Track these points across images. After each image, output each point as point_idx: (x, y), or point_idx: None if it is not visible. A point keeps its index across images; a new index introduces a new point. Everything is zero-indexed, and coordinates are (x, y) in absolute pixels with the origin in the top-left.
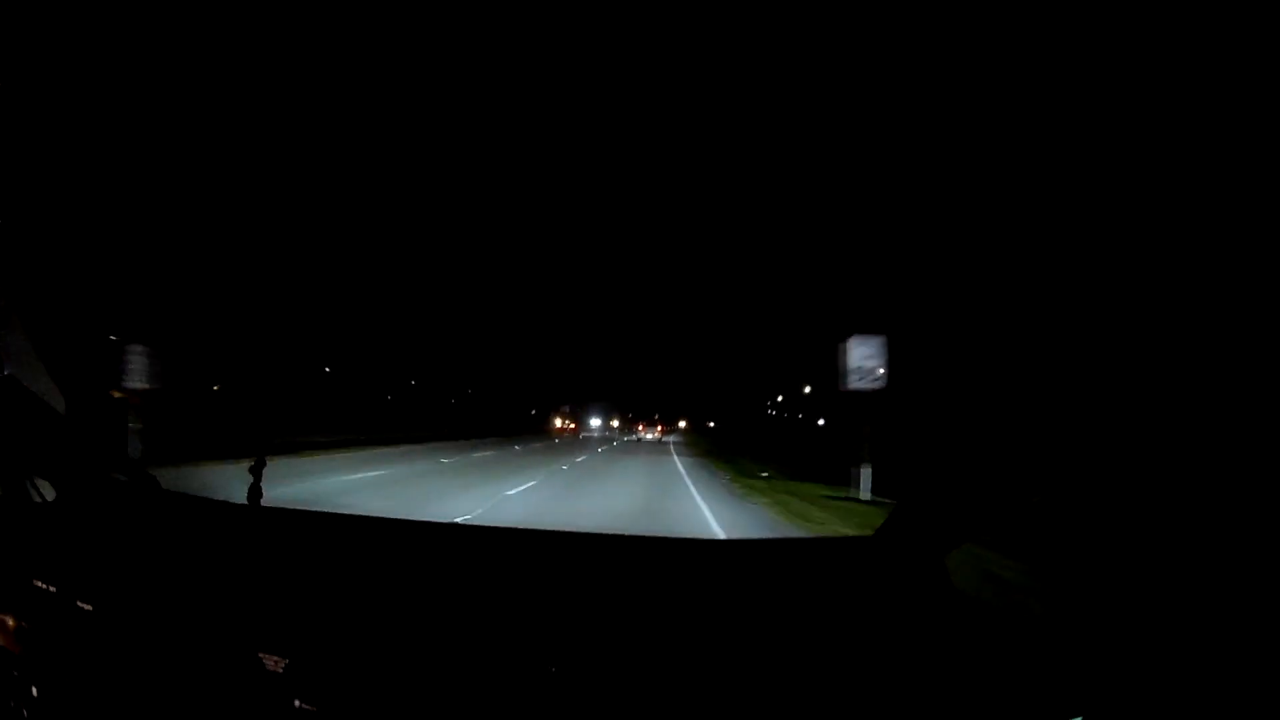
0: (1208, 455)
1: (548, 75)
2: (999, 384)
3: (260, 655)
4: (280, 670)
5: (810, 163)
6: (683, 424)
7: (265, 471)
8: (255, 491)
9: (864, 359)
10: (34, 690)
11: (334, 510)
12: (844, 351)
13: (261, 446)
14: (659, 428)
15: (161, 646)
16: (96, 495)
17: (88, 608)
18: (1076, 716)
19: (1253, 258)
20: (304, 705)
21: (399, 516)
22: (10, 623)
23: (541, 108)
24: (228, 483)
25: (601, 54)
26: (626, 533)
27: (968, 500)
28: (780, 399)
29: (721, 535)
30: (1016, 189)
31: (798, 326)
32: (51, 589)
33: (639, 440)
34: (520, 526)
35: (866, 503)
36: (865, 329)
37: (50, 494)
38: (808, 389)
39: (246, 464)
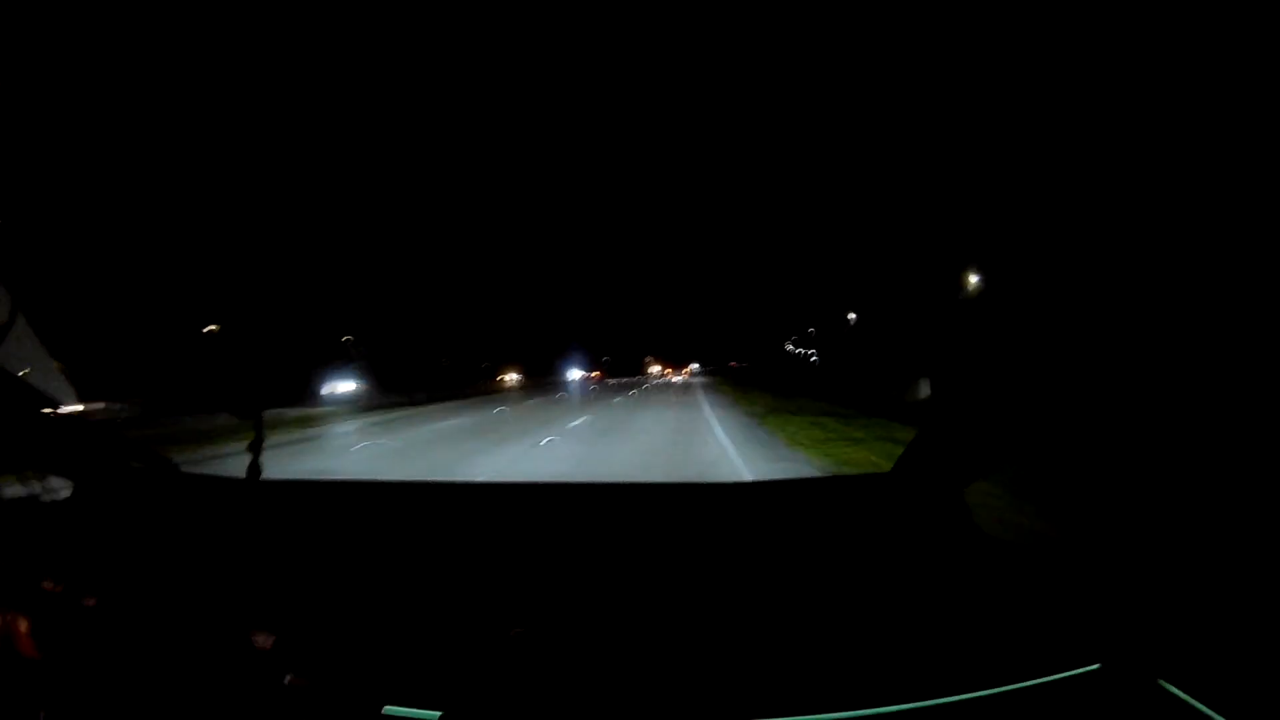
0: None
1: (543, 41)
2: (1015, 312)
3: (251, 633)
4: (270, 647)
5: (822, 113)
6: (711, 366)
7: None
8: (255, 466)
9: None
10: (49, 692)
11: (356, 478)
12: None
13: (259, 422)
14: (685, 370)
15: (156, 631)
16: (114, 486)
17: (92, 603)
18: (1095, 663)
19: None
20: (295, 680)
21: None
22: (24, 627)
23: (545, 74)
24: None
25: (601, 24)
26: (641, 480)
27: (985, 433)
28: (795, 339)
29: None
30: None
31: (812, 272)
32: (59, 588)
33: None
34: (532, 481)
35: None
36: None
37: (64, 491)
38: (811, 330)
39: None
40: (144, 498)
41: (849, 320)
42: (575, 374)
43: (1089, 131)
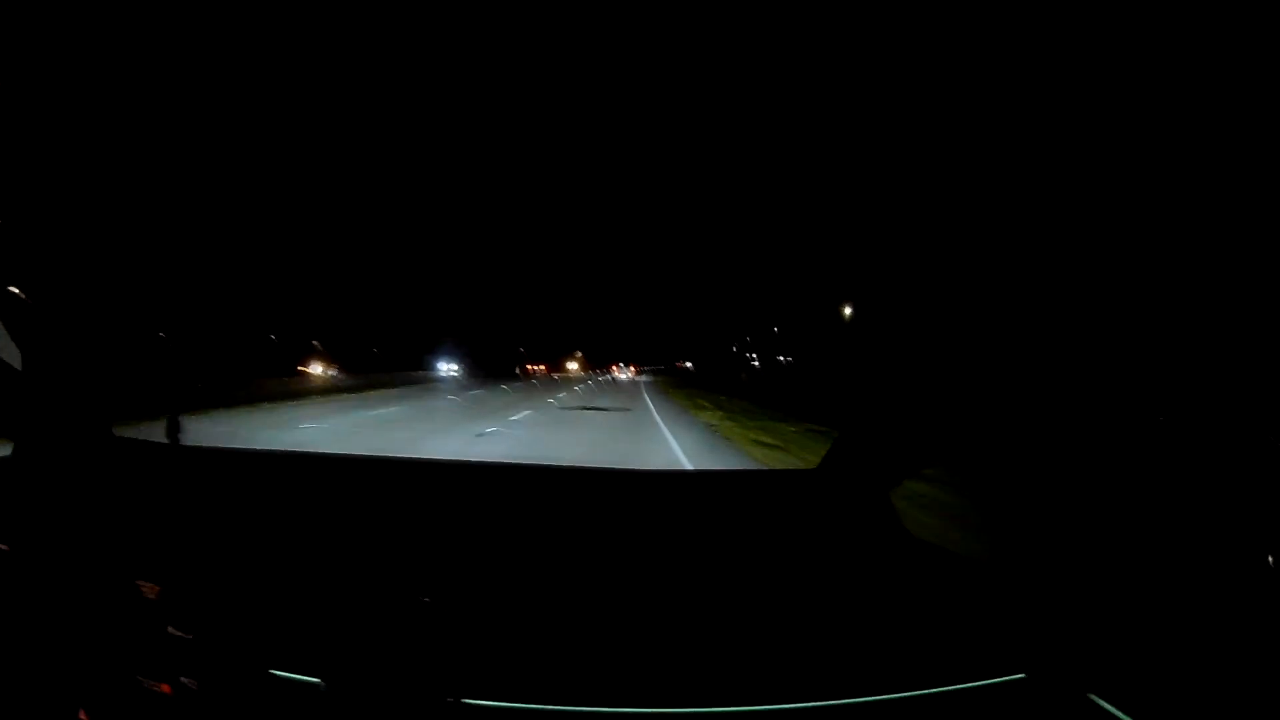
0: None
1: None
2: (942, 315)
3: (138, 583)
4: (154, 596)
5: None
6: (660, 367)
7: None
8: (174, 429)
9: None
10: None
11: (269, 447)
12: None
13: (179, 390)
14: (632, 368)
15: (52, 575)
16: (50, 446)
17: (4, 549)
18: (1019, 673)
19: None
20: (176, 631)
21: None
22: None
23: (513, 72)
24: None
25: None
26: (569, 464)
27: (910, 434)
28: (747, 339)
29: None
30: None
31: (758, 277)
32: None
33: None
34: (456, 460)
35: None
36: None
37: (4, 449)
38: (748, 339)
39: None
40: (76, 458)
41: (774, 331)
42: (448, 367)
43: (1003, 138)
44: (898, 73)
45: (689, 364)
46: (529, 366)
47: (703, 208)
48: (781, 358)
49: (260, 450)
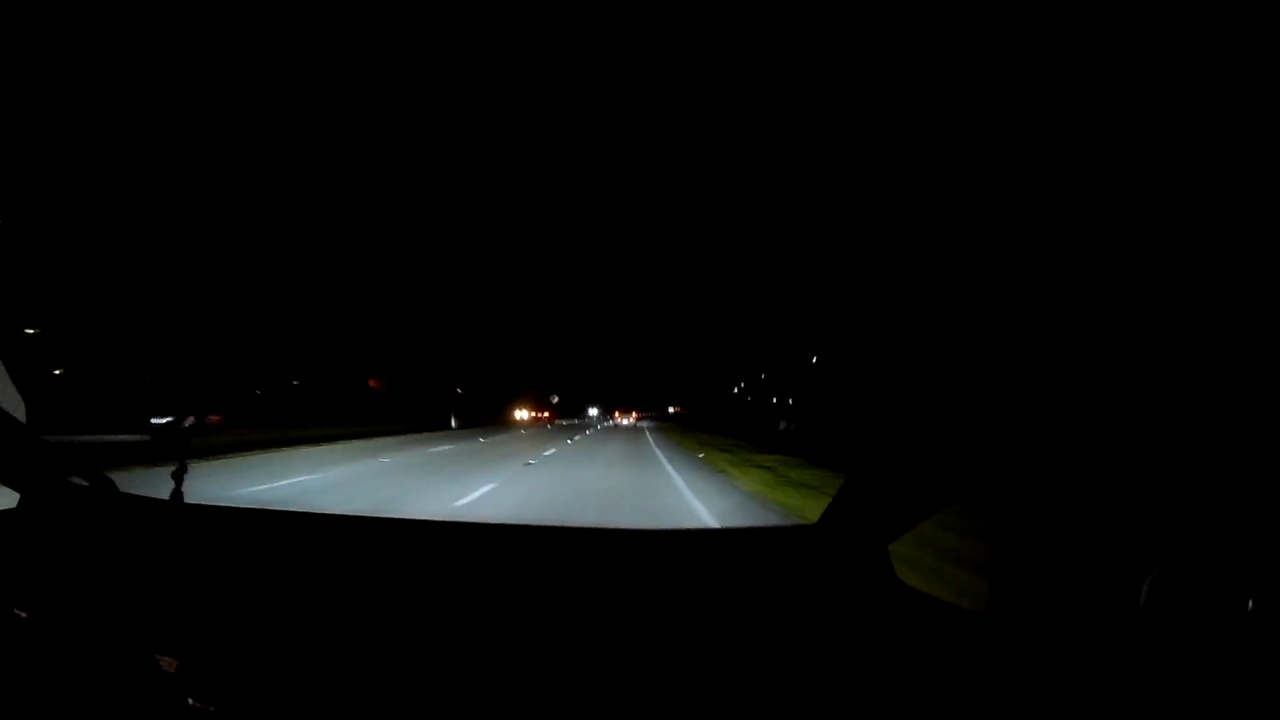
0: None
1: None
2: (943, 366)
3: (156, 656)
4: (174, 670)
5: (769, 158)
6: (656, 412)
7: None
8: (178, 490)
9: None
10: None
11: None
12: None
13: (184, 448)
14: (634, 413)
15: (70, 648)
16: (55, 501)
17: (23, 615)
18: None
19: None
20: (197, 704)
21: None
22: None
23: (509, 104)
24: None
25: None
26: (564, 524)
27: (910, 488)
28: (742, 385)
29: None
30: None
31: (757, 322)
32: None
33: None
34: (443, 520)
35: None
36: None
37: (9, 502)
38: (741, 384)
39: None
40: (81, 514)
41: (761, 377)
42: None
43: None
44: (892, 100)
45: (674, 409)
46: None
47: (697, 253)
48: (776, 399)
49: (268, 510)
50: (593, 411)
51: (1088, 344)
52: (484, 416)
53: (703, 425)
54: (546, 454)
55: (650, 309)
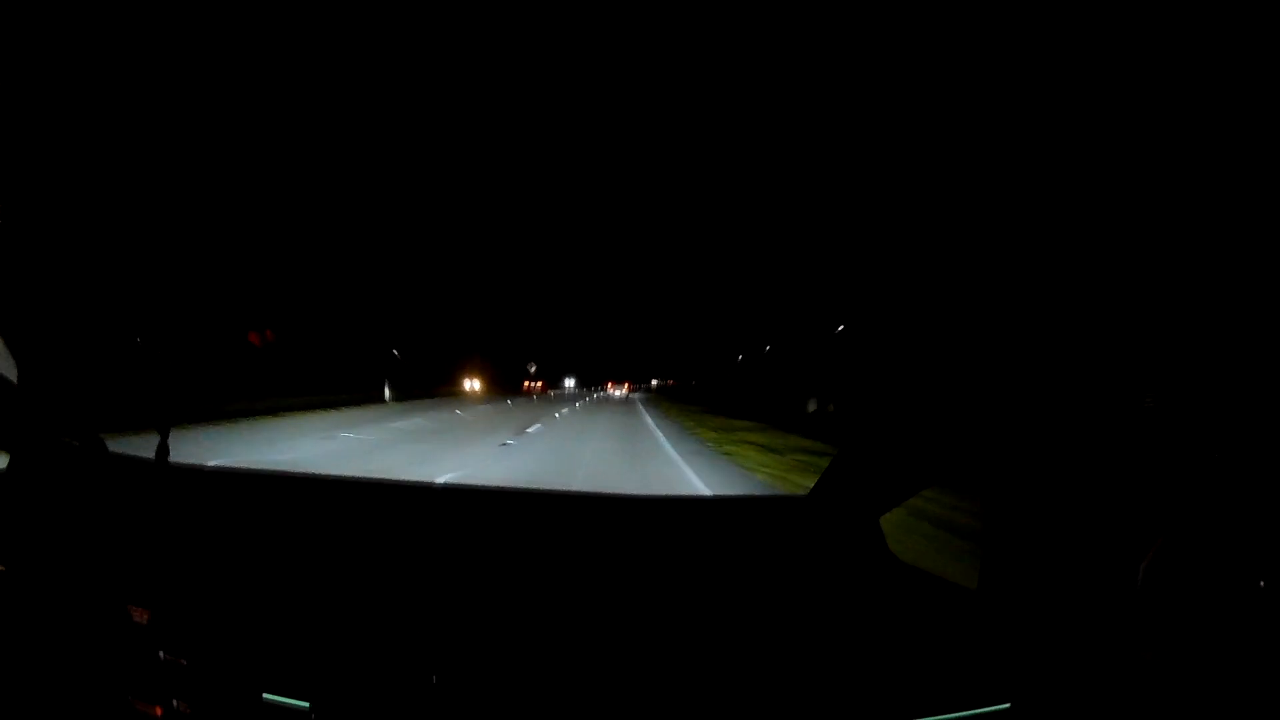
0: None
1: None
2: (934, 341)
3: (128, 607)
4: (145, 621)
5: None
6: (642, 384)
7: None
8: (163, 449)
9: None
10: None
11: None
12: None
13: (168, 409)
14: (625, 385)
15: (45, 599)
16: (47, 461)
17: (1, 568)
18: (1005, 702)
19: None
20: (168, 656)
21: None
22: None
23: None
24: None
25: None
26: (559, 490)
27: (901, 461)
28: (740, 358)
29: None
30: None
31: (753, 295)
32: None
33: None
34: (432, 484)
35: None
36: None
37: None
38: (733, 361)
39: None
40: (71, 474)
41: (766, 349)
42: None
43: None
44: (890, 104)
45: (657, 382)
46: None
47: (693, 227)
48: (792, 372)
49: (251, 470)
50: (569, 383)
51: (1081, 328)
52: (434, 385)
53: (699, 400)
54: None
55: (638, 269)
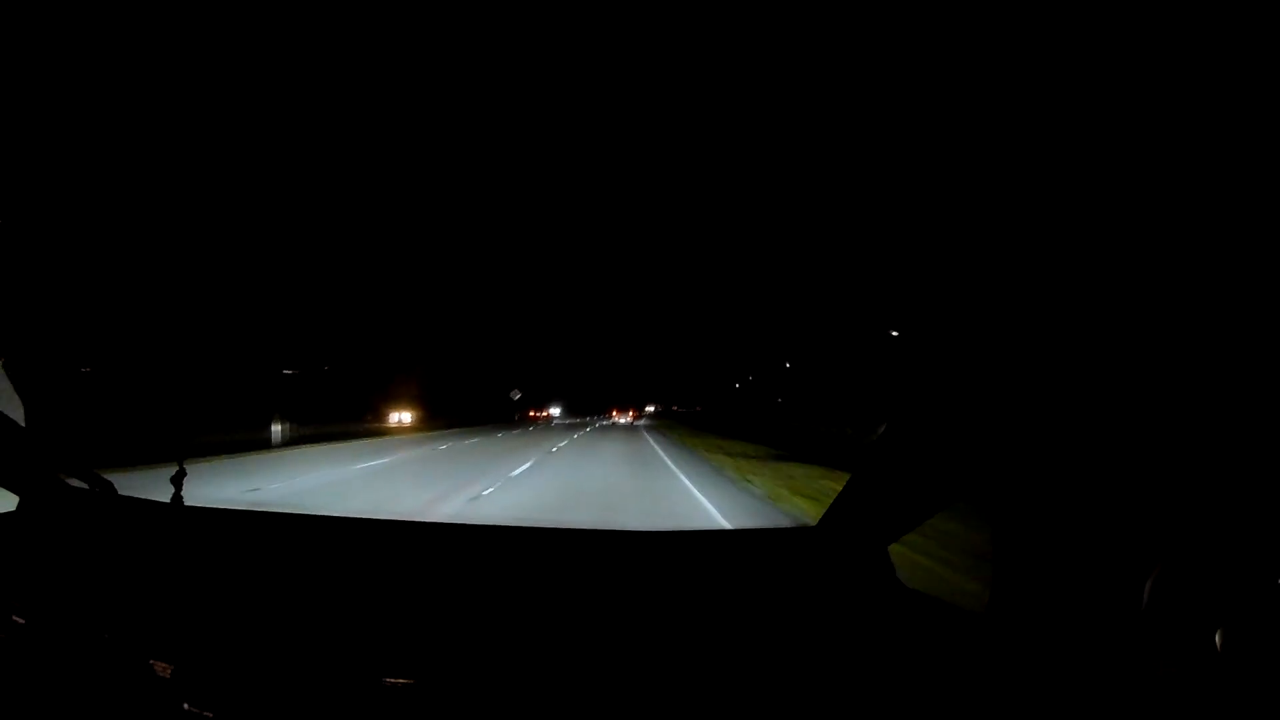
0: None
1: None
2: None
3: (150, 661)
4: (168, 675)
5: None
6: (653, 408)
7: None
8: (178, 493)
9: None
10: None
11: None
12: None
13: (183, 450)
14: (631, 412)
15: (66, 653)
16: (55, 504)
17: (20, 621)
18: None
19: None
20: (192, 709)
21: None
22: None
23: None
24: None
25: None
26: (565, 526)
27: (910, 490)
28: (741, 381)
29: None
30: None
31: (756, 322)
32: None
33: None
34: (444, 522)
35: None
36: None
37: (8, 505)
38: (739, 383)
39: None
40: (79, 517)
41: (749, 379)
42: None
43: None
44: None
45: (685, 408)
46: (530, 413)
47: (694, 238)
48: (781, 399)
49: (266, 511)
50: (554, 410)
51: (1088, 346)
52: (360, 414)
53: (705, 425)
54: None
55: (630, 288)
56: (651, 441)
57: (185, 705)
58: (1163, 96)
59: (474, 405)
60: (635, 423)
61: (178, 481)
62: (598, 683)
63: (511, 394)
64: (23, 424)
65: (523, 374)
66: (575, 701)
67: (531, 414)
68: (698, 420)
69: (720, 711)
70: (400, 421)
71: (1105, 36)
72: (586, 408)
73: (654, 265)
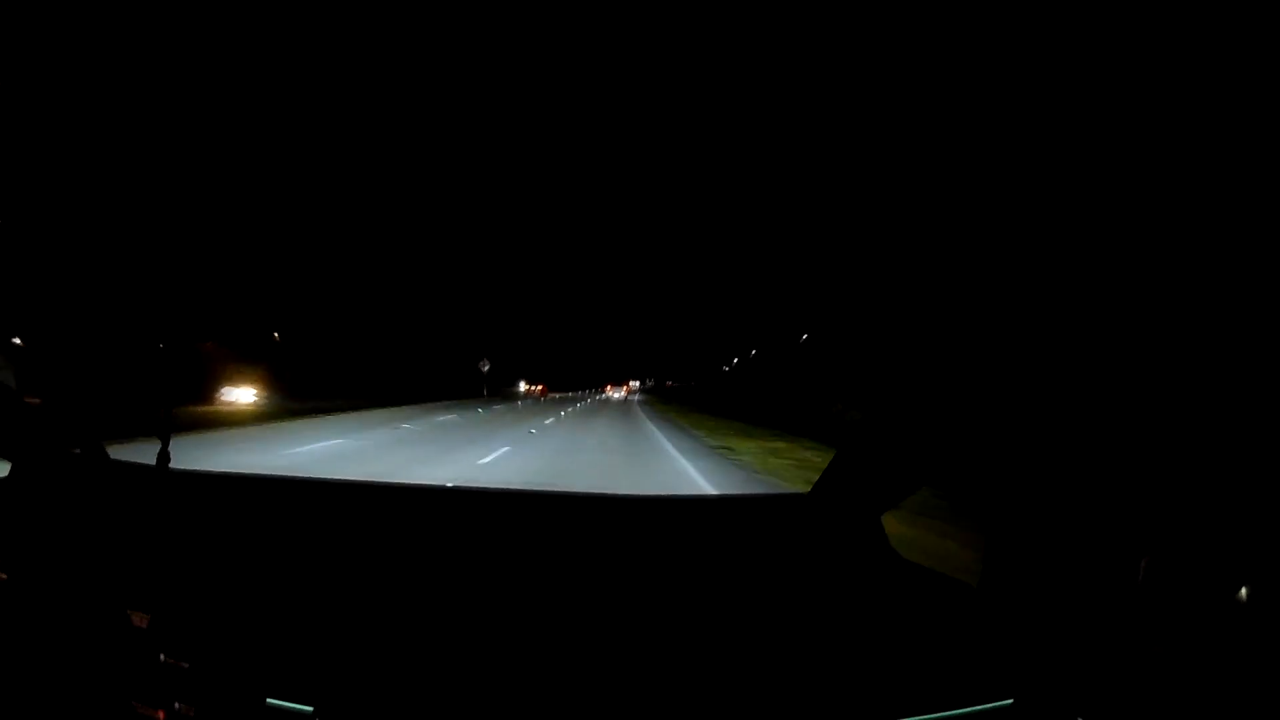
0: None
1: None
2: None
3: (127, 611)
4: (145, 625)
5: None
6: (650, 383)
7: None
8: (164, 454)
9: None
10: None
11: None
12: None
13: (167, 410)
14: (624, 387)
15: (46, 606)
16: (48, 468)
17: (3, 576)
18: (1008, 698)
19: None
20: (168, 659)
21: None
22: None
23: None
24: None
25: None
26: (556, 490)
27: (902, 459)
28: (735, 361)
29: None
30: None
31: (747, 303)
32: None
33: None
34: (432, 485)
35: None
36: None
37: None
38: (732, 363)
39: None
40: (72, 481)
41: (751, 354)
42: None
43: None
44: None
45: (678, 383)
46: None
47: (685, 216)
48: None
49: (252, 475)
50: (520, 386)
51: (1083, 328)
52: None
53: (695, 403)
54: None
55: (624, 257)
56: (650, 423)
57: (161, 656)
58: (1145, 94)
59: (434, 377)
60: (629, 396)
61: (164, 442)
62: (593, 646)
63: (480, 365)
64: (15, 388)
65: (526, 354)
66: (570, 664)
67: (527, 391)
68: (687, 397)
69: (715, 674)
70: (235, 401)
71: (1098, 35)
72: (580, 383)
73: (650, 248)
